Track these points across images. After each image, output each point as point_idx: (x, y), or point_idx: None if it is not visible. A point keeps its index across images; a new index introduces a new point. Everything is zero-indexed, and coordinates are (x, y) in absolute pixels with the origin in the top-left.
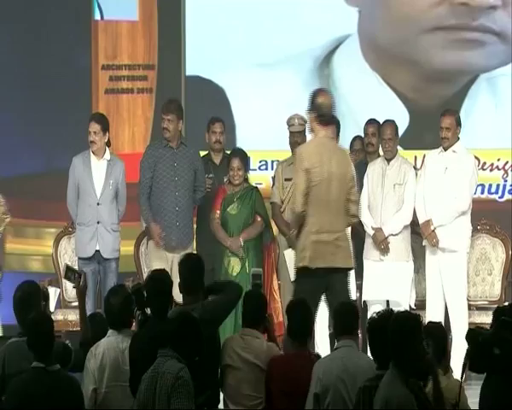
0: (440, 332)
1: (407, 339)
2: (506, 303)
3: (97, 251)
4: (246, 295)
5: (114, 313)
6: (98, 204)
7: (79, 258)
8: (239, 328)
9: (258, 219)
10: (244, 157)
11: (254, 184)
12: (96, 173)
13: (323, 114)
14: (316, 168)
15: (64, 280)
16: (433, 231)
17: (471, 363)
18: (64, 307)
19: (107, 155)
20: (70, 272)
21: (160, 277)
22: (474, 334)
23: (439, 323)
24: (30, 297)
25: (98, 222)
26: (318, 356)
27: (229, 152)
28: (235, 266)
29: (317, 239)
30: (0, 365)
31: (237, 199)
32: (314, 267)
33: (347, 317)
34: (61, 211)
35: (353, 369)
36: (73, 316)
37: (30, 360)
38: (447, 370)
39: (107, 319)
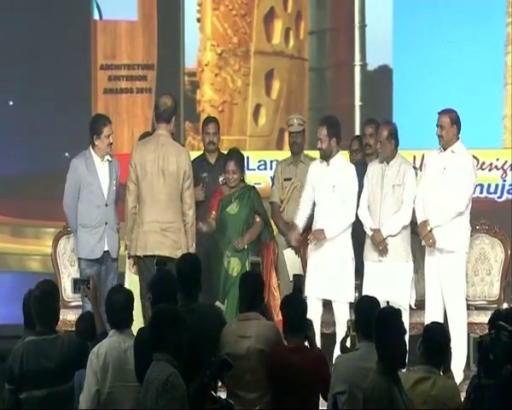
0: (439, 333)
1: (385, 332)
2: (505, 304)
3: (105, 252)
4: (242, 276)
5: (116, 313)
6: (106, 205)
7: (84, 259)
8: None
9: (257, 219)
10: (239, 159)
11: (253, 184)
12: (102, 174)
13: (159, 111)
14: (144, 164)
15: (64, 285)
16: (430, 231)
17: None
18: (63, 307)
19: (108, 156)
20: (78, 283)
21: (187, 263)
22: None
23: (440, 324)
24: (48, 296)
25: (106, 223)
26: (320, 351)
27: (225, 152)
28: (235, 266)
29: (145, 229)
30: (18, 363)
31: (235, 199)
32: (142, 255)
33: (368, 319)
34: (59, 211)
35: (370, 371)
36: (72, 316)
37: (48, 357)
38: (447, 370)
39: (108, 319)
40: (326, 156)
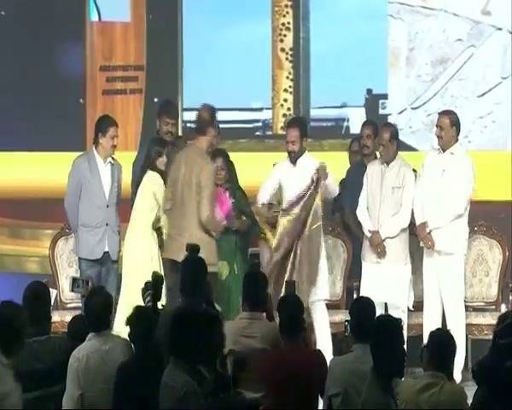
0: (445, 340)
1: (385, 343)
2: (503, 305)
3: (105, 253)
4: (245, 275)
5: (94, 315)
6: (107, 206)
7: (84, 259)
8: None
9: (244, 218)
10: (227, 157)
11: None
12: (104, 175)
13: (196, 123)
14: (174, 173)
15: (61, 283)
16: (429, 233)
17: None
18: (61, 309)
19: (111, 159)
20: (77, 283)
21: (187, 266)
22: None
23: (446, 331)
24: (39, 297)
25: (107, 224)
26: (319, 352)
27: None
28: (223, 270)
29: (169, 234)
30: None
31: None
32: (166, 258)
33: (364, 321)
34: (57, 212)
35: (365, 373)
36: (70, 317)
37: (39, 359)
38: (451, 377)
39: (87, 320)
40: (297, 158)
